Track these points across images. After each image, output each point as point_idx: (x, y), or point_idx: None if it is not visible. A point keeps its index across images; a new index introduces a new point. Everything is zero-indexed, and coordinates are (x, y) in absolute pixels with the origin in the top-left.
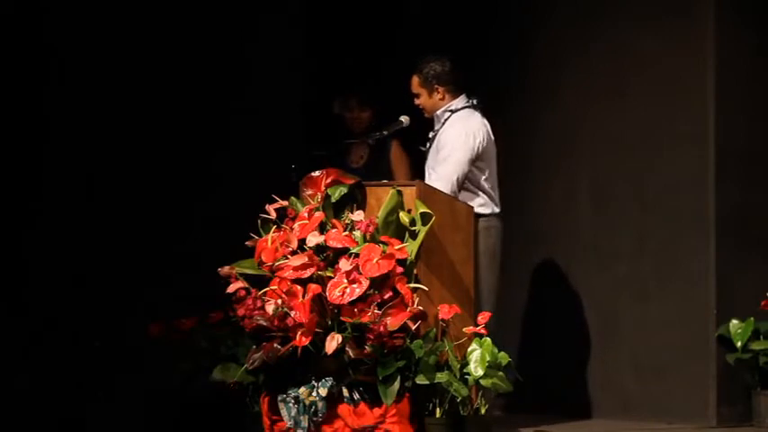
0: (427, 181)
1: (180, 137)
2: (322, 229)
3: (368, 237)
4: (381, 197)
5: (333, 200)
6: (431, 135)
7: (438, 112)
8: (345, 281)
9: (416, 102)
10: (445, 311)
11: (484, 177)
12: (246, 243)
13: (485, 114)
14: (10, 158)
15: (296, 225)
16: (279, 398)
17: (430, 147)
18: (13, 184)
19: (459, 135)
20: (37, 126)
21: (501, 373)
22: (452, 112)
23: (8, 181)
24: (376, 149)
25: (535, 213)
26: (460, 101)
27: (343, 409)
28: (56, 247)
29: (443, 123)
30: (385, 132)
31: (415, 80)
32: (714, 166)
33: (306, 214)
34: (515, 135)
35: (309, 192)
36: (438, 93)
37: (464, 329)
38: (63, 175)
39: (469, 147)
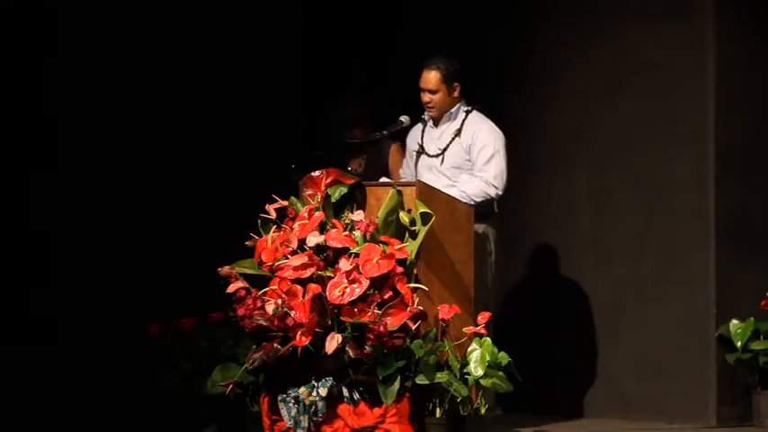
0: (460, 181)
1: (180, 137)
2: (322, 229)
3: (368, 237)
4: (381, 197)
5: (333, 200)
6: (438, 135)
7: (453, 110)
8: (345, 281)
9: (429, 98)
10: (445, 311)
11: None
12: (246, 243)
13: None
14: (9, 157)
15: (296, 225)
16: (279, 398)
17: (447, 147)
18: (13, 183)
19: (497, 132)
20: (35, 123)
21: (501, 373)
22: (467, 111)
23: (8, 180)
24: (372, 153)
25: (535, 213)
26: (465, 101)
27: (343, 409)
28: (54, 247)
29: (462, 122)
30: (385, 132)
31: (436, 76)
32: (714, 165)
33: (306, 214)
34: (515, 135)
35: (309, 192)
36: (456, 90)
37: (464, 329)
38: (62, 175)
39: (504, 143)
